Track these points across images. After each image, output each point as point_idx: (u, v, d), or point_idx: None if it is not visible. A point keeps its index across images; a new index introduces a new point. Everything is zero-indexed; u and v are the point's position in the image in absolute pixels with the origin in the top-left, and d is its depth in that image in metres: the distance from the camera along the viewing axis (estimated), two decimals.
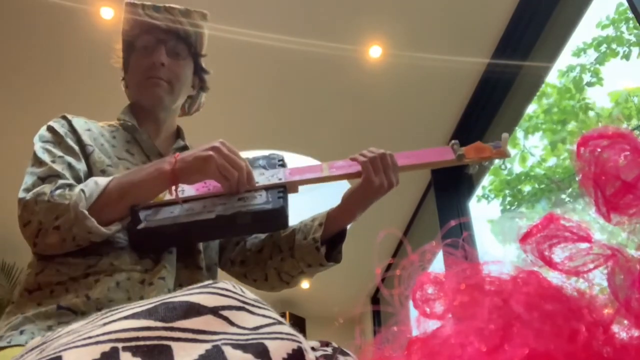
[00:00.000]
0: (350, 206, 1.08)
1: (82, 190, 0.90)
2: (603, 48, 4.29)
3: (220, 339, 0.32)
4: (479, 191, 3.80)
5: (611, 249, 0.30)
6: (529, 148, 4.74)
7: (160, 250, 0.98)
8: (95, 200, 0.91)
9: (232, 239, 1.20)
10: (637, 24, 1.98)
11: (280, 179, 1.04)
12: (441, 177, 3.30)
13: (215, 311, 0.34)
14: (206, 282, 0.37)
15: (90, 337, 0.30)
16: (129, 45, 1.18)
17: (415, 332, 0.33)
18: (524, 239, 0.33)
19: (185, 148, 1.20)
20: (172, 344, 0.31)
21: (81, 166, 1.02)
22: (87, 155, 1.05)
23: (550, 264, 0.32)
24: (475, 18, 2.48)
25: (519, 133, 4.47)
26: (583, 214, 0.34)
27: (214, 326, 0.33)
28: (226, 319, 0.34)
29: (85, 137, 1.07)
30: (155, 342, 0.31)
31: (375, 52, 2.63)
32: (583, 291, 0.30)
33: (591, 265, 0.31)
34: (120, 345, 0.30)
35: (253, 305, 0.37)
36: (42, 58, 2.64)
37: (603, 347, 0.26)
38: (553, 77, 4.35)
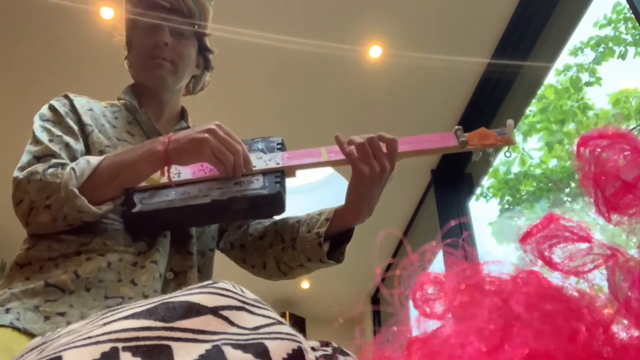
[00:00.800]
0: (353, 200, 1.03)
1: (73, 169, 0.89)
2: (601, 48, 4.29)
3: (220, 339, 0.32)
4: (477, 190, 3.80)
5: (611, 249, 0.30)
6: (528, 150, 4.74)
7: (155, 234, 0.97)
8: (86, 179, 0.89)
9: (234, 222, 1.17)
10: (637, 24, 1.98)
11: (277, 163, 1.01)
12: (441, 177, 3.30)
13: (215, 311, 0.34)
14: (206, 282, 0.37)
15: (90, 337, 0.30)
16: (132, 24, 1.15)
17: (415, 332, 0.33)
18: (524, 239, 0.33)
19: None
20: (172, 344, 0.31)
21: (79, 147, 1.00)
22: (86, 136, 1.02)
23: (550, 264, 0.32)
24: (475, 18, 2.48)
25: (517, 136, 4.48)
26: (582, 214, 0.34)
27: (214, 326, 0.33)
28: (226, 319, 0.34)
29: (86, 117, 1.04)
30: (155, 342, 0.31)
31: (375, 52, 2.63)
32: (583, 291, 0.30)
33: (591, 265, 0.31)
34: (120, 345, 0.30)
35: (253, 305, 0.37)
36: (42, 58, 2.64)
37: (603, 347, 0.26)
38: (550, 76, 4.34)
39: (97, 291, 0.88)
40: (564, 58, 4.29)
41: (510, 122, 1.02)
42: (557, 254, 0.32)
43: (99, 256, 0.91)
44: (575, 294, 0.30)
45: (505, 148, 1.03)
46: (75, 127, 1.02)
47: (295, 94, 2.88)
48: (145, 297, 0.89)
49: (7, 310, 0.83)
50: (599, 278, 0.30)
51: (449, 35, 2.55)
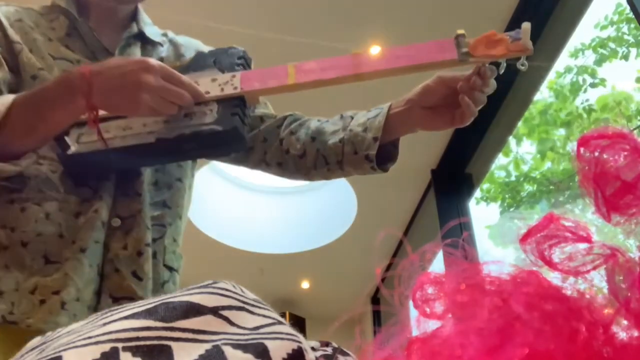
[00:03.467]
0: (411, 126, 0.92)
1: None
2: (602, 49, 4.29)
3: (220, 339, 0.32)
4: (477, 194, 3.81)
5: (611, 249, 0.30)
6: (522, 154, 4.75)
7: (98, 177, 0.85)
8: None
9: (257, 137, 1.01)
10: (638, 25, 1.98)
11: (235, 88, 0.83)
12: (441, 178, 3.30)
13: (215, 311, 0.34)
14: (206, 282, 0.37)
15: (90, 337, 0.30)
16: None
17: (415, 332, 0.33)
18: (524, 239, 0.33)
19: (140, 36, 0.99)
20: (172, 344, 0.31)
21: (1, 75, 0.84)
22: (15, 56, 0.86)
23: (550, 264, 0.32)
24: (475, 18, 2.48)
25: (511, 141, 4.48)
26: (582, 215, 0.34)
27: (214, 326, 0.33)
28: (226, 319, 0.34)
29: (13, 32, 0.87)
30: (155, 342, 0.31)
31: (375, 52, 2.63)
32: (583, 291, 0.30)
33: (591, 266, 0.31)
34: (120, 345, 0.30)
35: (253, 305, 0.37)
36: None
37: (603, 347, 0.26)
38: (551, 78, 4.35)
39: (36, 248, 0.78)
40: (564, 60, 4.29)
41: (526, 25, 0.80)
42: (557, 254, 0.32)
43: (35, 206, 0.79)
44: (575, 294, 0.30)
45: (521, 59, 0.82)
46: None
47: (295, 93, 2.88)
48: (83, 251, 0.80)
49: None
50: (599, 278, 0.30)
51: (449, 36, 2.55)
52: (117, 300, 0.83)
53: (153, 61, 0.77)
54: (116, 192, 0.87)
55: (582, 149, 0.34)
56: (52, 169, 0.82)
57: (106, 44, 0.94)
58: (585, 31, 4.33)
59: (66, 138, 0.80)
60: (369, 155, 0.91)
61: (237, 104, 0.82)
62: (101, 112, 0.77)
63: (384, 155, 0.96)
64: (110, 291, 0.83)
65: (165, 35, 1.07)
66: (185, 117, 0.81)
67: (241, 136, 0.81)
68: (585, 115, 4.33)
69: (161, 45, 1.04)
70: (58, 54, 0.89)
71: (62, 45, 0.91)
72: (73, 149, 0.79)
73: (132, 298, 0.83)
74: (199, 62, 0.88)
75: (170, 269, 0.93)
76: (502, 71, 0.85)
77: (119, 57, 0.92)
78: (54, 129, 0.78)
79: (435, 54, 0.82)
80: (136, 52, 0.99)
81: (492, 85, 0.86)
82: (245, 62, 0.89)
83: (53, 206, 0.81)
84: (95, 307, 0.81)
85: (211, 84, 0.84)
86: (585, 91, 4.34)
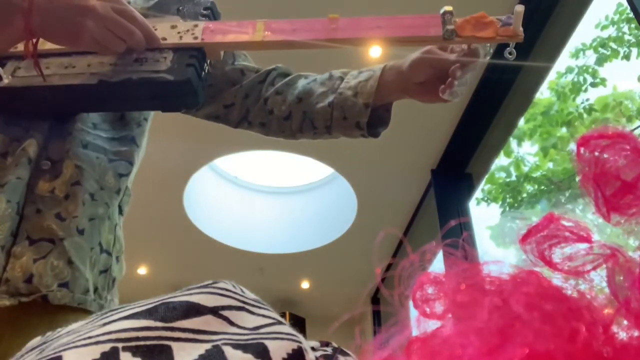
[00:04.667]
0: (402, 95, 0.88)
1: None
2: (603, 49, 4.29)
3: (220, 339, 0.32)
4: (478, 194, 3.81)
5: (611, 249, 0.30)
6: (523, 155, 4.76)
7: (32, 115, 0.79)
8: None
9: (238, 93, 0.94)
10: (639, 24, 1.99)
11: (195, 38, 0.76)
12: (441, 177, 3.30)
13: (215, 311, 0.34)
14: (206, 282, 0.37)
15: (90, 337, 0.30)
16: None
17: (415, 332, 0.33)
18: (524, 239, 0.33)
19: None
20: (172, 344, 0.31)
21: None
22: None
23: (550, 264, 0.32)
24: None
25: (512, 142, 4.49)
26: (582, 215, 0.34)
27: (214, 326, 0.33)
28: (226, 319, 0.34)
29: None
30: (155, 342, 0.31)
31: (375, 52, 2.63)
32: (583, 291, 0.30)
33: (591, 266, 0.31)
34: (120, 345, 0.30)
35: (253, 305, 0.37)
36: None
37: (603, 347, 0.26)
38: (551, 78, 4.36)
39: None
40: (565, 60, 4.29)
41: (519, 8, 0.76)
42: (557, 255, 0.32)
43: None
44: (575, 294, 0.30)
45: (510, 46, 0.77)
46: None
47: None
48: (2, 186, 0.74)
49: None
50: (599, 278, 0.30)
51: None
52: (35, 242, 0.76)
53: None
54: (50, 133, 0.80)
55: (582, 149, 0.34)
56: None
57: None
58: (586, 31, 4.33)
59: (5, 65, 0.72)
60: (359, 123, 0.88)
61: (194, 54, 0.75)
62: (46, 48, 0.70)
63: (376, 119, 0.92)
64: (28, 232, 0.76)
65: None
66: (135, 62, 0.73)
67: (193, 90, 0.73)
68: (585, 115, 4.34)
69: None
70: None
71: None
72: (5, 81, 0.73)
73: (52, 240, 0.77)
74: (162, 7, 0.82)
75: (121, 211, 0.88)
76: (487, 57, 0.82)
77: None
78: None
79: (419, 28, 0.77)
80: None
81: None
82: (212, 14, 0.82)
83: None
84: (9, 250, 0.74)
85: (170, 31, 0.76)
86: (585, 91, 4.35)
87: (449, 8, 0.78)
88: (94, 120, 0.85)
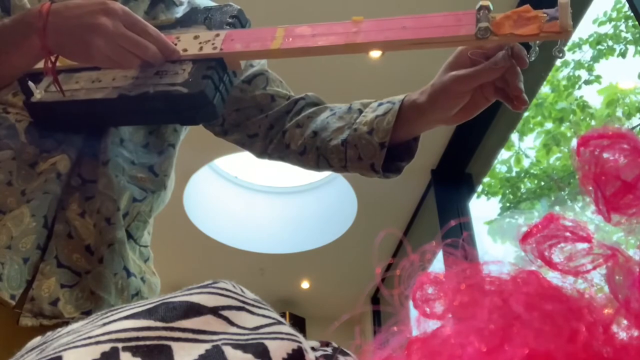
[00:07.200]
0: (430, 125, 0.79)
1: None
2: (600, 45, 4.29)
3: (220, 339, 0.32)
4: (478, 188, 3.81)
5: (611, 249, 0.30)
6: (525, 150, 4.76)
7: (65, 130, 0.78)
8: None
9: (263, 123, 0.91)
10: (637, 23, 1.98)
11: (215, 48, 0.73)
12: (441, 177, 3.30)
13: (215, 311, 0.34)
14: (206, 282, 0.37)
15: (90, 337, 0.30)
16: None
17: (415, 332, 0.33)
18: (524, 239, 0.33)
19: None
20: (172, 344, 0.31)
21: None
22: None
23: (550, 264, 0.32)
24: None
25: (513, 135, 4.49)
26: (581, 213, 0.34)
27: (214, 326, 0.33)
28: (226, 319, 0.34)
29: None
30: (155, 342, 0.31)
31: (375, 52, 2.63)
32: (583, 291, 0.30)
33: (591, 266, 0.31)
34: (120, 345, 0.30)
35: (253, 305, 0.37)
36: None
37: (603, 347, 0.26)
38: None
39: None
40: None
41: (564, 0, 0.62)
42: (557, 254, 0.32)
43: None
44: (575, 294, 0.30)
45: (558, 44, 0.66)
46: None
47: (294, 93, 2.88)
48: (29, 201, 0.74)
49: None
50: (599, 278, 0.30)
51: None
52: (63, 266, 0.75)
53: (116, 4, 0.68)
54: (83, 150, 0.79)
55: (582, 149, 0.34)
56: (17, 118, 0.77)
57: None
58: (583, 26, 4.34)
59: (30, 84, 0.73)
60: (374, 165, 0.81)
61: (212, 65, 0.72)
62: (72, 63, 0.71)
63: (403, 151, 0.84)
64: (57, 253, 0.75)
65: None
66: (155, 75, 0.72)
67: (209, 103, 0.71)
68: (578, 111, 4.34)
69: (176, 4, 0.91)
70: None
71: None
72: (38, 97, 0.73)
73: (79, 273, 0.77)
74: (190, 17, 0.80)
75: (130, 236, 0.86)
76: (533, 57, 0.72)
77: None
78: (9, 71, 0.73)
79: (448, 28, 0.68)
80: (140, 6, 0.88)
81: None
82: (238, 22, 0.79)
83: (6, 154, 0.75)
84: (37, 264, 0.73)
85: (192, 42, 0.74)
86: (579, 88, 4.35)
87: (485, 3, 0.67)
88: (123, 137, 0.84)
